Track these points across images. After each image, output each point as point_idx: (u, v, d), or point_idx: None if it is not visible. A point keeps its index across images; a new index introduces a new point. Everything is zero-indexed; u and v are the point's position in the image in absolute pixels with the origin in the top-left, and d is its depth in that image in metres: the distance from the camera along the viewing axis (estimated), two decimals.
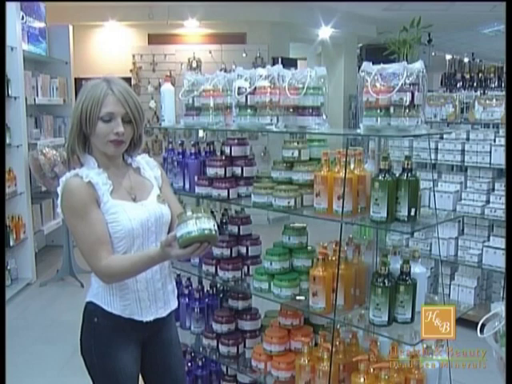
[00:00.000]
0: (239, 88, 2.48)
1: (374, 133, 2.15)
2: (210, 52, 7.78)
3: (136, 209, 1.87)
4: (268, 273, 2.59)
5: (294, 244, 2.61)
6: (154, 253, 1.77)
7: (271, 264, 2.57)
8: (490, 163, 4.09)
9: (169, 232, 1.93)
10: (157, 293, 1.93)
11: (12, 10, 5.15)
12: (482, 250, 4.10)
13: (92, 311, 1.91)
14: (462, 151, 4.23)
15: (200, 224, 1.67)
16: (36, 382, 3.58)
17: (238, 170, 2.78)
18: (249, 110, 2.47)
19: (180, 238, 1.67)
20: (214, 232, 1.70)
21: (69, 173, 1.84)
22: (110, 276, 1.81)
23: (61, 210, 1.84)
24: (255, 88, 2.44)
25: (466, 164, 4.26)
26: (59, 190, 1.83)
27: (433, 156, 4.33)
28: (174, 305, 2.03)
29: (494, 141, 4.11)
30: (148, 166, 2.04)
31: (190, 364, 3.07)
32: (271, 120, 2.41)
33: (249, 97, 2.45)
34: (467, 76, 9.48)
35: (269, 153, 7.44)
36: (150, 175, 2.02)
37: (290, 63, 7.68)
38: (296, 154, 2.50)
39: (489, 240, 4.12)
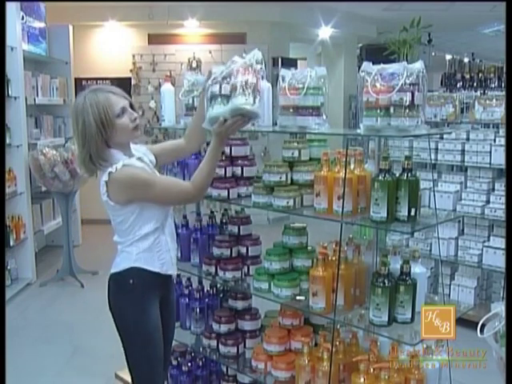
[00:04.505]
0: (214, 79, 2.16)
1: (374, 133, 2.15)
2: (210, 52, 7.77)
3: None
4: (268, 273, 2.59)
5: (294, 244, 2.61)
6: (212, 146, 2.13)
7: (271, 264, 2.57)
8: (490, 163, 4.09)
9: None
10: (176, 252, 2.33)
11: (12, 10, 5.14)
12: (482, 250, 4.10)
13: (127, 275, 2.15)
14: (462, 151, 4.23)
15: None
16: (36, 382, 3.58)
17: (238, 170, 2.78)
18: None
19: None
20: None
21: (116, 164, 2.03)
22: (202, 188, 2.15)
23: (127, 195, 2.05)
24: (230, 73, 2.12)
25: (466, 164, 4.25)
26: (104, 180, 2.04)
27: (433, 156, 4.33)
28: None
29: (494, 141, 4.11)
30: (141, 153, 2.26)
31: (190, 364, 3.07)
32: (246, 100, 2.04)
33: (222, 86, 2.11)
34: (467, 76, 9.47)
35: (269, 153, 7.44)
36: (147, 161, 2.26)
37: (290, 63, 7.68)
38: (296, 154, 2.50)
39: (489, 240, 4.12)
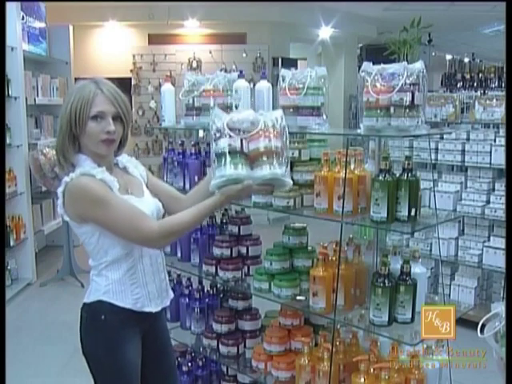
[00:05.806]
0: (231, 130, 1.86)
1: (374, 133, 2.15)
2: (210, 52, 7.78)
3: (142, 204, 1.90)
4: (268, 273, 2.59)
5: (295, 244, 2.61)
6: (211, 203, 1.85)
7: (271, 264, 2.57)
8: (491, 163, 4.09)
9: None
10: (161, 284, 2.01)
11: (12, 10, 5.14)
12: (483, 250, 4.10)
13: (98, 309, 1.92)
14: (463, 151, 4.23)
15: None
16: (36, 382, 3.58)
17: None
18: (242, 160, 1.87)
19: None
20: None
21: (72, 173, 1.81)
22: (169, 236, 1.87)
23: (77, 210, 1.81)
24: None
25: (466, 164, 4.26)
26: (60, 191, 1.82)
27: (433, 156, 4.33)
28: (171, 294, 2.11)
29: (495, 141, 4.11)
30: (131, 164, 2.06)
31: (190, 364, 3.07)
32: (270, 168, 1.84)
33: (244, 142, 1.87)
34: (467, 76, 9.48)
35: None
36: (136, 173, 2.05)
37: (290, 63, 7.69)
38: (296, 154, 2.50)
39: (489, 240, 4.12)
